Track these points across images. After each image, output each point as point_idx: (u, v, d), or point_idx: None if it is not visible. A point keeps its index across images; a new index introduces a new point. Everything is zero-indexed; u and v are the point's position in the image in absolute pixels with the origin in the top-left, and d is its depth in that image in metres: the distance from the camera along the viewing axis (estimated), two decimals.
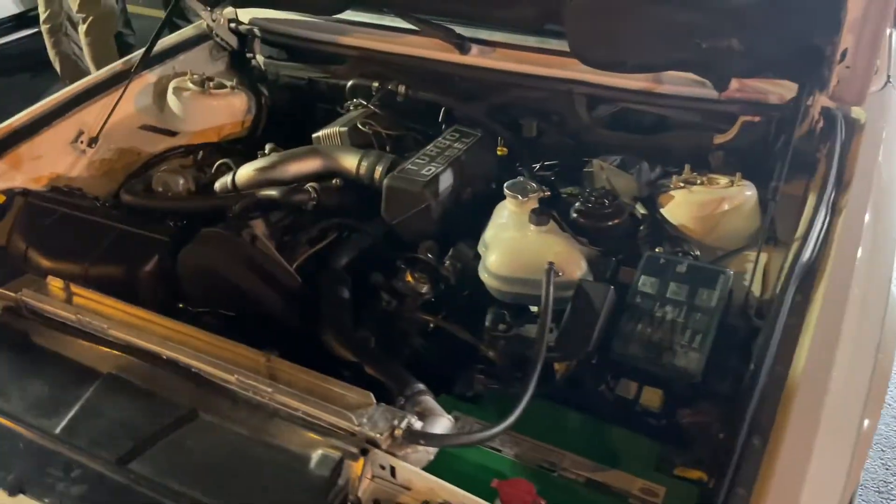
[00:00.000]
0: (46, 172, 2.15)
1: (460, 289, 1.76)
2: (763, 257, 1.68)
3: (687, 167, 1.85)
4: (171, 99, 2.34)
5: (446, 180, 1.82)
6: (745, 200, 1.72)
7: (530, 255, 1.56)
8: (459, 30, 2.20)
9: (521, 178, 1.74)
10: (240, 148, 2.36)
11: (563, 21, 1.91)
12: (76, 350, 1.45)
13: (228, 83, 2.41)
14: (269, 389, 1.29)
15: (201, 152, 2.27)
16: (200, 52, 2.61)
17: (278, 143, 2.30)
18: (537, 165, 2.15)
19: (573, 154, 2.15)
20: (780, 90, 1.92)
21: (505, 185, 1.72)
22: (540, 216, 1.61)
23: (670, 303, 1.49)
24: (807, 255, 1.49)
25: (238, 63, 2.67)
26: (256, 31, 2.54)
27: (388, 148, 2.07)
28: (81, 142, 2.20)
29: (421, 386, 1.33)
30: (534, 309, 1.67)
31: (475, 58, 2.18)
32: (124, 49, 5.07)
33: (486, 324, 1.65)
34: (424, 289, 1.74)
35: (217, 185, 1.96)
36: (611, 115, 2.11)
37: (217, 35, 2.58)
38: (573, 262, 1.55)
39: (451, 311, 1.74)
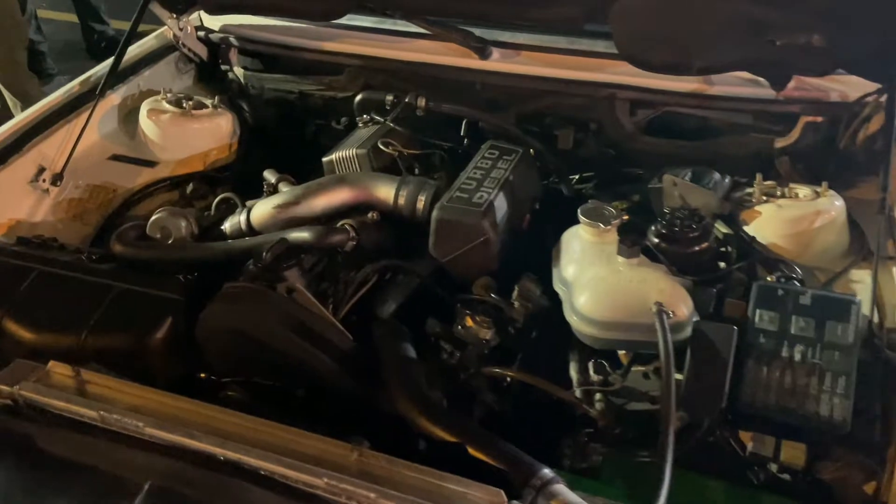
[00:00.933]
0: (4, 219, 1.81)
1: (528, 332, 1.54)
2: (865, 275, 1.52)
3: (759, 177, 1.68)
4: (145, 124, 2.02)
5: (501, 207, 1.59)
6: (838, 213, 1.57)
7: (629, 294, 1.35)
8: (476, 33, 1.97)
9: (594, 202, 1.53)
10: (228, 176, 2.07)
11: (609, 20, 1.71)
12: (105, 457, 1.16)
13: (208, 101, 2.10)
14: (372, 495, 1.04)
15: (191, 185, 1.96)
16: (166, 66, 2.29)
17: (266, 167, 2.04)
18: (574, 178, 1.95)
19: (613, 166, 1.96)
20: (842, 87, 1.78)
21: (580, 210, 1.51)
22: (632, 247, 1.40)
23: (798, 341, 1.30)
24: None
25: (207, 76, 2.36)
26: (233, 39, 2.23)
27: (416, 170, 1.82)
28: (44, 180, 1.88)
29: (549, 471, 1.11)
30: (621, 353, 1.46)
31: (499, 63, 1.95)
32: (36, 58, 4.59)
33: (575, 374, 1.44)
34: (489, 335, 1.51)
35: (227, 228, 1.67)
36: (655, 121, 1.92)
37: (184, 45, 2.26)
38: (680, 300, 1.34)
39: (520, 359, 1.52)
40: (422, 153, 1.87)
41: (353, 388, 1.40)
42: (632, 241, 1.41)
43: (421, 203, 1.60)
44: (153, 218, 1.64)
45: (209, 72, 2.36)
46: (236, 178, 2.04)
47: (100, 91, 1.98)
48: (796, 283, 1.45)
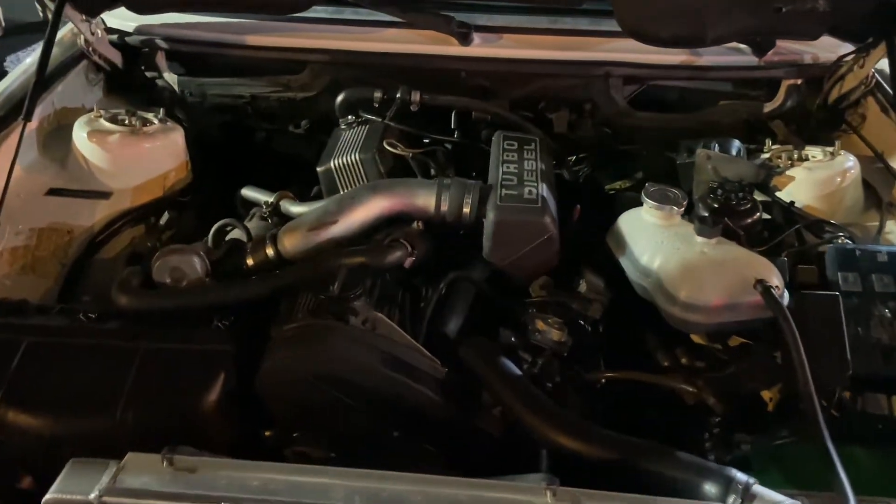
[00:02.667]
0: None
1: (601, 327, 1.48)
2: (893, 226, 1.61)
3: (768, 142, 1.73)
4: (87, 149, 1.70)
5: (550, 200, 1.51)
6: (857, 169, 1.64)
7: (727, 275, 1.32)
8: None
9: (653, 185, 1.48)
10: (193, 199, 1.80)
11: None
12: None
13: (151, 115, 1.81)
14: None
15: (166, 214, 1.69)
16: (76, 77, 1.95)
17: (214, 183, 1.83)
18: (572, 159, 1.91)
19: (609, 145, 1.93)
20: (814, 50, 1.87)
21: (644, 194, 1.46)
22: (713, 227, 1.37)
23: (884, 297, 1.34)
24: None
25: (121, 86, 2.05)
26: (161, 41, 1.94)
27: (432, 170, 1.67)
28: None
29: (741, 474, 1.05)
30: (696, 338, 1.43)
31: (485, 48, 1.85)
32: None
33: (668, 363, 1.40)
34: (563, 336, 1.43)
35: (251, 260, 1.43)
36: (644, 96, 1.91)
37: (94, 52, 1.94)
38: (773, 273, 1.33)
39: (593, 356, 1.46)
40: (427, 150, 1.72)
41: (457, 417, 1.27)
42: (713, 220, 1.38)
43: (468, 207, 1.47)
44: (159, 260, 1.37)
45: (124, 80, 2.04)
46: (202, 201, 1.79)
47: (25, 114, 1.63)
48: (848, 241, 1.50)
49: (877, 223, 1.63)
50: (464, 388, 1.29)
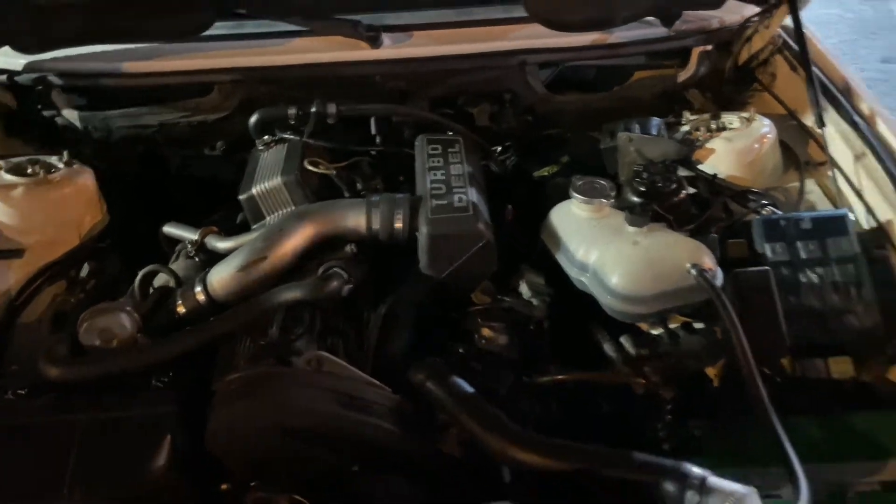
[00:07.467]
0: None
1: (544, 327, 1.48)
2: (812, 185, 1.66)
3: (686, 114, 1.74)
4: None
5: (481, 203, 1.50)
6: (774, 133, 1.67)
7: (662, 263, 1.33)
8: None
9: (580, 178, 1.48)
10: (111, 243, 1.73)
11: None
12: None
13: (55, 159, 1.71)
14: None
15: (86, 265, 1.61)
16: None
17: (133, 220, 1.76)
18: (497, 149, 1.89)
19: (531, 131, 1.92)
20: (720, 14, 1.88)
21: (573, 189, 1.45)
22: (643, 216, 1.38)
23: (811, 264, 1.39)
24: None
25: (19, 127, 1.94)
26: (54, 78, 1.84)
27: (358, 186, 1.63)
28: None
29: (695, 469, 1.08)
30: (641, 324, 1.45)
31: (396, 49, 1.81)
32: None
33: (614, 353, 1.41)
34: (509, 340, 1.43)
35: (183, 308, 1.38)
36: (561, 79, 1.91)
37: None
38: (706, 254, 1.35)
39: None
40: (350, 163, 1.68)
41: (416, 443, 1.26)
42: (642, 209, 1.39)
43: (399, 223, 1.44)
44: (85, 322, 1.31)
45: (21, 122, 1.94)
46: (124, 242, 1.72)
47: None
48: (772, 209, 1.54)
49: (797, 184, 1.67)
50: (418, 412, 1.29)
